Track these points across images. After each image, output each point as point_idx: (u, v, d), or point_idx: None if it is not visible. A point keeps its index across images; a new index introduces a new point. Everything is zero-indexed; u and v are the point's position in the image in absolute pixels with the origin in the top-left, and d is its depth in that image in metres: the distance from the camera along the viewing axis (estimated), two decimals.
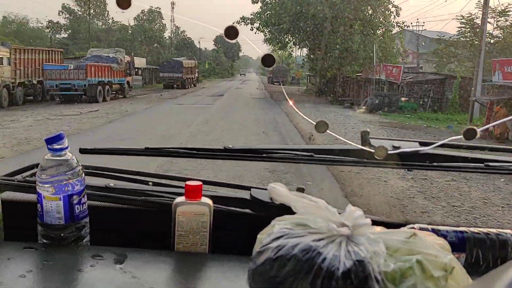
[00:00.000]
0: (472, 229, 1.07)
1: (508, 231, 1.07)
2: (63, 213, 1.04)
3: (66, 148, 1.05)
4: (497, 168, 1.26)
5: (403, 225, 1.06)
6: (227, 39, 0.99)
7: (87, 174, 1.15)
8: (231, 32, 0.97)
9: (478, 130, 1.09)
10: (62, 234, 1.06)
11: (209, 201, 1.10)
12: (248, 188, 1.26)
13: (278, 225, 0.84)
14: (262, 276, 0.77)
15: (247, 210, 1.21)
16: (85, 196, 1.09)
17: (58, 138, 1.03)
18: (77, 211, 1.06)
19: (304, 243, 0.75)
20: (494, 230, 1.07)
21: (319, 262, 0.72)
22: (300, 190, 1.26)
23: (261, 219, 0.97)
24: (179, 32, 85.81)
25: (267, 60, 1.01)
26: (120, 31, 61.07)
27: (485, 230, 1.07)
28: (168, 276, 0.98)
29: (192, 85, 45.83)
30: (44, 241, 1.06)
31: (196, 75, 49.46)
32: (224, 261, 1.04)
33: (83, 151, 1.32)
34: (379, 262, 0.73)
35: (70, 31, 59.44)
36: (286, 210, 0.92)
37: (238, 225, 1.17)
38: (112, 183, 1.26)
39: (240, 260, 0.98)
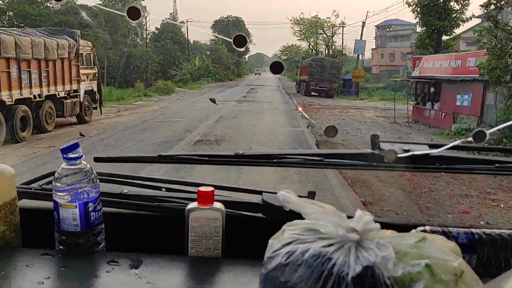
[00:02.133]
0: (483, 230, 1.07)
1: None
2: (79, 220, 1.07)
3: (81, 156, 1.07)
4: (508, 169, 1.26)
5: (414, 227, 1.07)
6: (236, 48, 1.00)
7: (101, 181, 1.18)
8: (240, 40, 0.99)
9: (487, 132, 1.09)
10: (79, 241, 1.08)
11: (221, 206, 1.11)
12: (259, 193, 1.28)
13: (289, 230, 0.85)
14: (273, 281, 0.78)
15: (259, 215, 1.23)
16: (100, 203, 1.11)
17: (73, 147, 1.06)
18: (92, 218, 1.09)
19: (314, 248, 0.77)
20: (506, 231, 1.07)
21: (329, 268, 0.73)
22: (312, 194, 1.27)
23: (273, 223, 0.98)
24: (175, 21, 62.03)
25: (275, 67, 1.02)
26: (64, 14, 35.64)
27: (497, 231, 1.07)
28: (182, 281, 1.00)
29: (69, 119, 15.80)
30: (61, 247, 1.09)
31: (85, 86, 16.47)
32: (237, 265, 1.05)
33: (97, 159, 1.35)
34: (388, 267, 0.74)
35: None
36: (297, 214, 0.93)
37: (250, 230, 1.18)
38: (126, 189, 1.28)
39: (253, 264, 0.99)
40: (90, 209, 1.08)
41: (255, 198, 1.28)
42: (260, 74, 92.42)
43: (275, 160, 1.31)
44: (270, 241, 0.87)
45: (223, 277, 1.03)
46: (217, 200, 1.12)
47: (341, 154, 1.30)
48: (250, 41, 74.14)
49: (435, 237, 0.86)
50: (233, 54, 65.66)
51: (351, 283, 0.71)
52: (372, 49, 61.01)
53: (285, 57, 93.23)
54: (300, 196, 1.03)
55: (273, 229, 0.92)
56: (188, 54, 54.38)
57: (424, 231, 1.05)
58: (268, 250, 0.85)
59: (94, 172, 1.10)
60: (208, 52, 61.35)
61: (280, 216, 1.09)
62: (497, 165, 1.24)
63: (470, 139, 1.10)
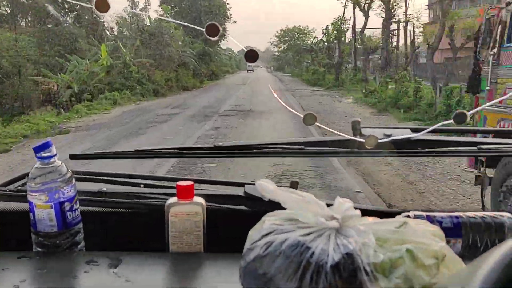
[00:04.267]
0: (468, 213, 1.06)
1: (504, 213, 1.07)
2: (56, 220, 1.04)
3: (55, 155, 1.05)
4: (490, 151, 1.25)
5: (399, 213, 1.06)
6: (208, 37, 0.97)
7: (78, 180, 1.15)
8: (213, 30, 0.96)
9: (468, 113, 1.08)
10: (56, 242, 1.06)
11: (202, 200, 1.09)
12: (241, 185, 1.26)
13: (268, 221, 0.84)
14: (252, 273, 0.76)
15: (241, 207, 1.21)
16: (77, 202, 1.08)
17: (45, 146, 1.03)
18: (69, 217, 1.06)
19: (292, 238, 0.75)
20: (489, 213, 1.06)
21: (308, 257, 0.71)
22: (294, 183, 1.26)
23: (256, 215, 0.96)
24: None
25: (250, 56, 1.00)
26: None
27: (480, 214, 1.06)
28: (163, 277, 0.98)
29: None
30: (39, 249, 1.06)
31: None
32: (220, 259, 1.04)
33: (72, 157, 1.32)
34: (368, 254, 0.72)
35: None
36: (279, 205, 0.91)
37: (232, 222, 1.16)
38: (104, 187, 1.25)
39: (236, 257, 0.97)
40: (67, 208, 1.05)
41: (238, 191, 1.26)
42: (252, 71, 75.09)
43: (255, 151, 1.29)
44: (250, 232, 0.86)
45: (205, 272, 1.01)
46: (197, 194, 1.10)
47: (322, 141, 1.29)
48: (228, 18, 51.26)
49: (417, 222, 0.85)
50: (195, 41, 37.31)
51: (330, 271, 0.70)
52: (425, 25, 30.64)
53: (285, 45, 69.44)
54: (280, 186, 1.02)
55: (255, 220, 0.90)
56: (87, 42, 26.38)
57: (408, 216, 1.04)
58: (247, 242, 0.83)
59: (70, 170, 1.07)
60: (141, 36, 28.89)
61: (263, 207, 1.07)
62: (479, 146, 1.23)
63: (451, 121, 1.09)
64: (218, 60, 52.21)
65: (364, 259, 0.71)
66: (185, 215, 1.07)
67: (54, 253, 1.05)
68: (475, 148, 1.24)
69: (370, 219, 0.84)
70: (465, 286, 0.46)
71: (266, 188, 0.88)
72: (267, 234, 0.79)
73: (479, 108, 1.19)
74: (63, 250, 1.06)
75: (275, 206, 0.92)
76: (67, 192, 1.05)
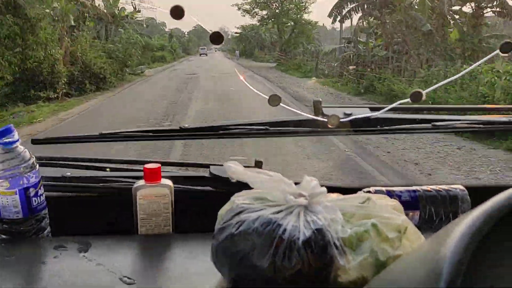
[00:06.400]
0: (424, 187, 1.12)
1: (457, 186, 1.13)
2: (20, 206, 1.03)
3: (17, 140, 1.03)
4: (444, 127, 1.31)
5: (360, 189, 1.10)
6: (174, 19, 0.97)
7: (42, 165, 1.13)
8: (177, 12, 0.96)
9: (424, 92, 1.13)
10: (22, 228, 1.04)
11: (169, 182, 1.10)
12: (207, 166, 1.27)
13: (238, 200, 0.86)
14: (225, 252, 0.79)
15: (207, 188, 1.23)
16: (42, 187, 1.07)
17: (7, 131, 1.01)
18: (34, 203, 1.05)
19: (264, 216, 0.77)
20: (444, 187, 1.12)
21: (280, 233, 0.74)
22: (259, 163, 1.28)
23: (222, 195, 0.98)
24: None
25: (215, 38, 1.00)
26: None
27: (436, 187, 1.12)
28: (133, 260, 0.99)
29: None
30: (4, 236, 1.05)
31: None
32: (189, 239, 1.05)
33: (35, 141, 1.30)
34: (336, 229, 0.75)
35: None
36: (245, 185, 0.94)
37: (200, 203, 1.18)
38: (68, 172, 1.24)
39: (205, 237, 0.99)
40: (31, 194, 1.04)
41: (204, 172, 1.28)
42: (206, 55, 61.98)
43: (220, 132, 1.30)
44: (220, 212, 0.88)
45: (175, 252, 1.02)
46: (164, 177, 1.11)
47: (286, 121, 1.31)
48: None
49: (379, 197, 0.89)
50: None
51: (302, 247, 0.73)
52: None
53: (266, 12, 42.24)
54: (247, 166, 1.04)
55: (222, 201, 0.92)
56: None
57: (369, 192, 1.09)
58: (218, 221, 0.85)
59: (33, 156, 1.05)
60: None
61: (229, 187, 1.09)
62: (433, 123, 1.29)
63: (408, 100, 1.14)
64: (119, 36, 24.42)
65: (333, 234, 0.74)
66: (153, 198, 1.08)
67: (20, 239, 1.04)
68: (429, 125, 1.30)
69: (334, 195, 0.88)
70: (434, 257, 0.48)
71: (234, 169, 0.89)
72: (238, 213, 0.81)
73: (435, 86, 1.24)
74: (29, 236, 1.05)
75: (241, 186, 0.94)
76: (31, 178, 1.04)
